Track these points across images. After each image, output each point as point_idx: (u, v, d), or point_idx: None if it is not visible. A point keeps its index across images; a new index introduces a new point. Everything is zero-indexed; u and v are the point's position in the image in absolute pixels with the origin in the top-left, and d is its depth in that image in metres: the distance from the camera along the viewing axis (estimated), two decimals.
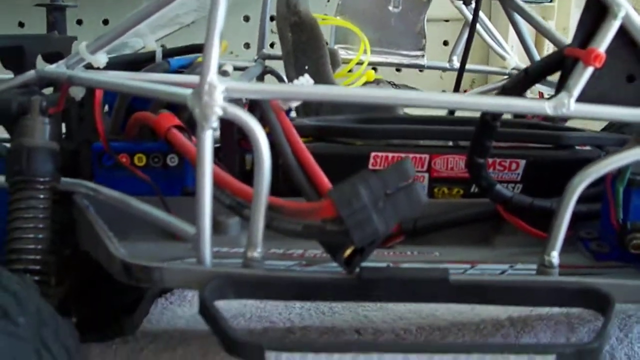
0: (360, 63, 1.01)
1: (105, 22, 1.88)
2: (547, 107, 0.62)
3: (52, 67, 0.75)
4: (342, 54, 1.04)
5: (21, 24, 1.89)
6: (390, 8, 1.06)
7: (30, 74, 0.76)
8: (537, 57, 0.97)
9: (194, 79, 0.74)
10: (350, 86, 1.00)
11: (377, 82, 1.02)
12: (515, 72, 1.11)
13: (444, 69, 1.15)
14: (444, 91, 1.50)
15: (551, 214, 0.73)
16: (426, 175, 0.81)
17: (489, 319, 1.04)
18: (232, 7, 0.64)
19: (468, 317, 1.07)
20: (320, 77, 0.92)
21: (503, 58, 1.10)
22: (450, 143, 0.87)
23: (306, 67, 0.92)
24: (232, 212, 0.65)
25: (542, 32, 0.81)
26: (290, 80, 0.93)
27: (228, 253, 0.71)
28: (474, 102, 0.65)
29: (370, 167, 0.81)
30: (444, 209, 0.79)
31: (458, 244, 0.79)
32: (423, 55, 1.11)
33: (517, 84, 0.68)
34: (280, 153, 0.65)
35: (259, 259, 0.62)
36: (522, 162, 0.81)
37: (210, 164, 0.60)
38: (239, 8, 1.86)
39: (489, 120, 0.69)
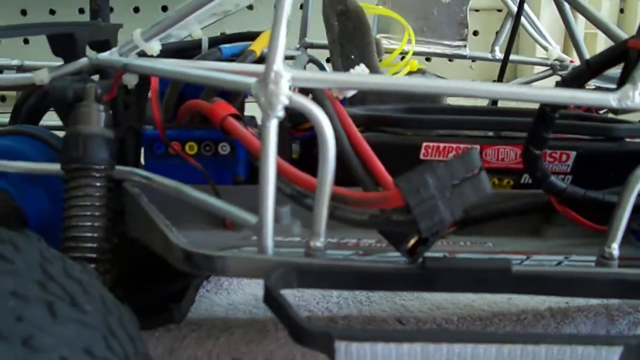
0: (404, 53, 1.00)
1: (136, 9, 1.88)
2: (612, 100, 0.61)
3: (106, 55, 0.75)
4: (385, 43, 1.03)
5: (52, 12, 1.89)
6: None
7: (83, 61, 0.76)
8: (586, 52, 0.96)
9: (250, 67, 0.74)
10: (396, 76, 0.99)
11: (421, 71, 1.02)
12: (557, 63, 1.10)
13: (487, 60, 1.14)
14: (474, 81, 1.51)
15: (603, 206, 0.73)
16: None
17: (529, 310, 1.04)
18: None
19: (505, 307, 1.07)
20: (367, 66, 0.92)
21: (545, 49, 1.09)
22: (491, 133, 0.86)
23: (352, 57, 0.91)
24: (293, 201, 0.64)
25: (596, 24, 0.80)
26: (336, 68, 0.92)
27: (282, 242, 0.71)
28: (536, 94, 0.64)
29: (421, 157, 0.80)
30: (495, 199, 0.79)
31: (508, 235, 0.79)
32: (465, 45, 1.10)
33: (579, 76, 0.67)
34: (338, 142, 0.64)
35: (322, 248, 0.61)
36: (573, 154, 0.81)
37: (275, 153, 0.60)
38: None
39: (548, 112, 0.68)
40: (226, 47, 0.81)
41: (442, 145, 0.80)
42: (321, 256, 0.61)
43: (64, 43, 0.77)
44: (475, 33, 1.82)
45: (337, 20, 0.90)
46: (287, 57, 0.96)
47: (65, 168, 0.69)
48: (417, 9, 1.07)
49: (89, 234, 0.68)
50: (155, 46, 0.74)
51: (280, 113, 0.59)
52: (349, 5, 0.90)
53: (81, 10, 1.89)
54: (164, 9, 1.92)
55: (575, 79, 0.67)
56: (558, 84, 0.72)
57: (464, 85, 0.63)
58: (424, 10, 1.06)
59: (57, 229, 0.76)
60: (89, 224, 0.68)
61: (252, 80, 0.60)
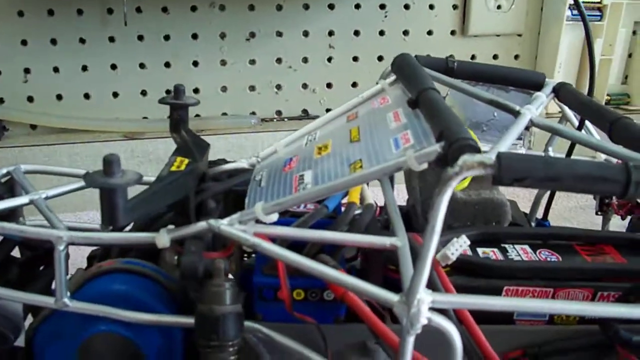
0: None
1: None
2: None
3: (226, 226, 0.79)
4: None
5: (50, 12, 1.88)
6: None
7: (202, 225, 0.80)
8: None
9: (371, 239, 0.80)
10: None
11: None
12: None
13: None
14: None
15: None
16: None
17: None
18: None
19: None
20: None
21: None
22: None
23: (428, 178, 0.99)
24: None
25: None
26: (411, 191, 0.99)
27: None
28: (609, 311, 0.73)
29: None
30: (564, 334, 0.89)
31: None
32: (522, 145, 1.17)
33: None
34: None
35: None
36: None
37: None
38: None
39: None
40: (329, 202, 0.87)
41: (520, 288, 0.89)
42: None
43: (183, 205, 0.82)
44: None
45: None
46: None
47: (204, 344, 0.76)
48: (478, 111, 1.12)
49: None
50: (273, 217, 0.80)
51: (419, 331, 0.67)
52: None
53: (79, 12, 1.88)
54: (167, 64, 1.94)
55: None
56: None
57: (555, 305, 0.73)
58: (485, 112, 1.12)
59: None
60: None
61: (394, 297, 0.68)
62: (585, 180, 0.63)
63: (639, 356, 0.86)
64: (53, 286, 0.98)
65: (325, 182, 0.80)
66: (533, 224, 1.19)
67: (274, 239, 0.80)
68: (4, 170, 1.00)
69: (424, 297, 0.66)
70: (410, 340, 0.67)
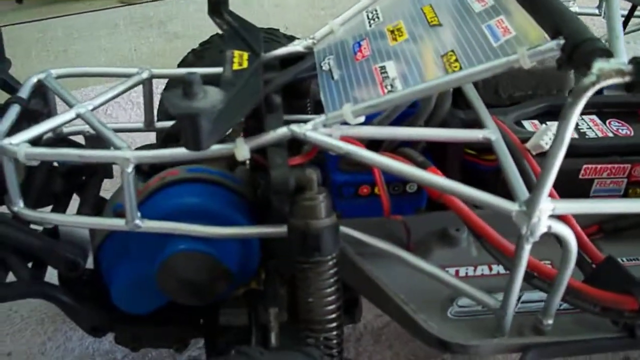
0: None
1: None
2: None
3: (311, 131, 0.74)
4: None
5: None
6: None
7: (284, 132, 0.75)
8: None
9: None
10: None
11: None
12: None
13: (594, 15, 1.13)
14: None
15: None
16: (625, 180, 0.89)
17: None
18: None
19: None
20: None
21: None
22: None
23: None
24: (525, 281, 0.73)
25: None
26: None
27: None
28: None
29: (580, 177, 0.88)
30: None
31: None
32: (574, 1, 1.09)
33: None
34: None
35: (551, 325, 0.73)
36: None
37: (525, 266, 0.68)
38: None
39: None
40: None
41: (599, 166, 0.88)
42: (551, 333, 0.73)
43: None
44: None
45: None
46: None
47: (302, 259, 0.74)
48: None
49: (331, 316, 0.75)
50: (361, 119, 0.75)
51: (537, 239, 0.66)
52: None
53: None
54: None
55: None
56: None
57: None
58: None
59: (242, 268, 0.82)
60: (330, 307, 0.75)
61: (513, 207, 0.66)
62: None
63: None
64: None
65: (415, 76, 0.74)
66: None
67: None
68: (34, 79, 0.90)
69: (546, 207, 0.64)
70: (528, 248, 0.66)
